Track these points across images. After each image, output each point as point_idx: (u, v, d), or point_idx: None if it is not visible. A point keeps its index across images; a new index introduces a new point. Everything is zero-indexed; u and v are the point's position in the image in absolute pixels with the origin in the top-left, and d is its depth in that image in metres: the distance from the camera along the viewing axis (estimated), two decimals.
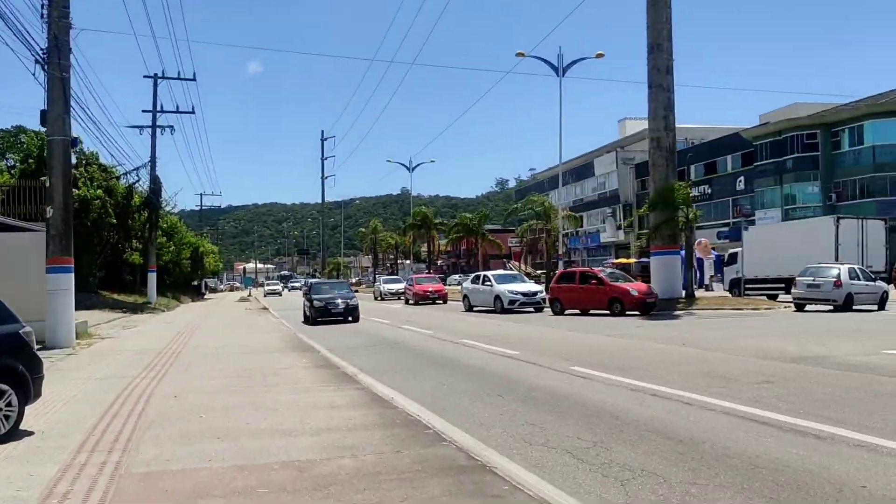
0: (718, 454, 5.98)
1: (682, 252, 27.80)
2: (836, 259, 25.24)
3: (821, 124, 45.89)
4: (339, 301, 24.39)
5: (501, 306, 26.76)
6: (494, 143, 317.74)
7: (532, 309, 26.65)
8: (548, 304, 26.80)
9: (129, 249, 37.98)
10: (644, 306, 22.99)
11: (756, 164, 50.49)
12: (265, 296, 64.00)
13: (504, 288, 27.21)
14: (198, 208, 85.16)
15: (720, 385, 9.47)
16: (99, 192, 33.57)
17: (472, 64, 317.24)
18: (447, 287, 42.03)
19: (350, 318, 24.23)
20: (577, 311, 24.59)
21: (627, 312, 22.81)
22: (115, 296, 36.78)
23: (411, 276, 40.46)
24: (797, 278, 23.17)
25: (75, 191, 32.67)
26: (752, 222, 44.69)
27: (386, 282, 48.19)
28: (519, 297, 26.52)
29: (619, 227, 72.38)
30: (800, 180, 47.06)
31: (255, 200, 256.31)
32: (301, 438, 6.86)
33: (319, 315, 24.07)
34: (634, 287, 23.99)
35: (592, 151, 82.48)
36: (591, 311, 24.11)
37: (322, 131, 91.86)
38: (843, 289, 21.79)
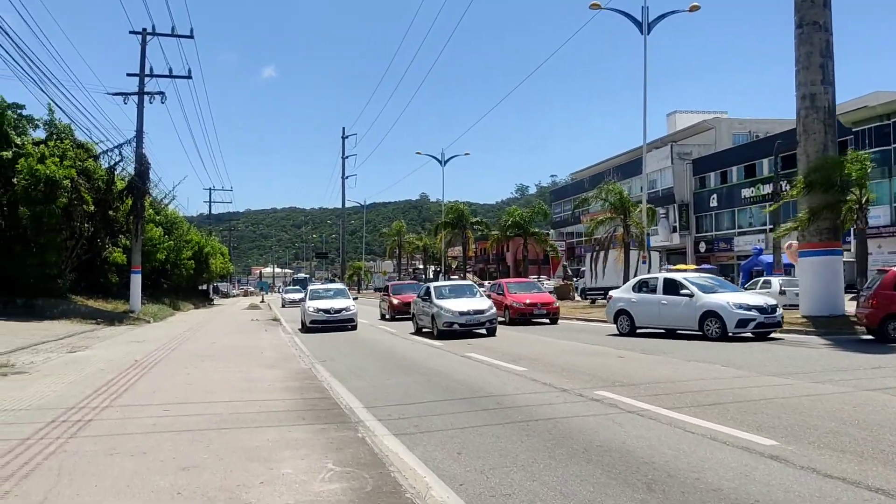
0: None
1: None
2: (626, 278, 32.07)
3: None
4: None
5: (723, 331, 16.45)
6: (513, 149, 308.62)
7: (751, 334, 16.89)
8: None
9: (109, 245, 30.95)
10: None
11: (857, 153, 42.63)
12: (284, 306, 48.61)
13: (723, 300, 16.86)
14: (211, 213, 78.56)
15: None
16: (71, 171, 26.64)
17: (496, 62, 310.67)
18: None
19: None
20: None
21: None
22: (92, 302, 29.80)
23: (499, 281, 28.93)
24: None
25: (40, 167, 25.87)
26: None
27: None
28: (754, 315, 16.53)
29: (674, 230, 64.54)
30: None
31: (274, 205, 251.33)
32: None
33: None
34: None
35: (641, 146, 74.69)
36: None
37: (343, 128, 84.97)
38: None
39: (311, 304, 25.05)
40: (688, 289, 17.55)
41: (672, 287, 18.18)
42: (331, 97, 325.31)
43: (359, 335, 22.69)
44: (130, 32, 29.81)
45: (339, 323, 24.42)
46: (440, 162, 60.81)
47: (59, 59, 72.55)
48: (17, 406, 8.89)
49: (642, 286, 19.38)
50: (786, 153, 44.92)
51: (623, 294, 19.96)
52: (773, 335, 17.11)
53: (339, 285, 32.06)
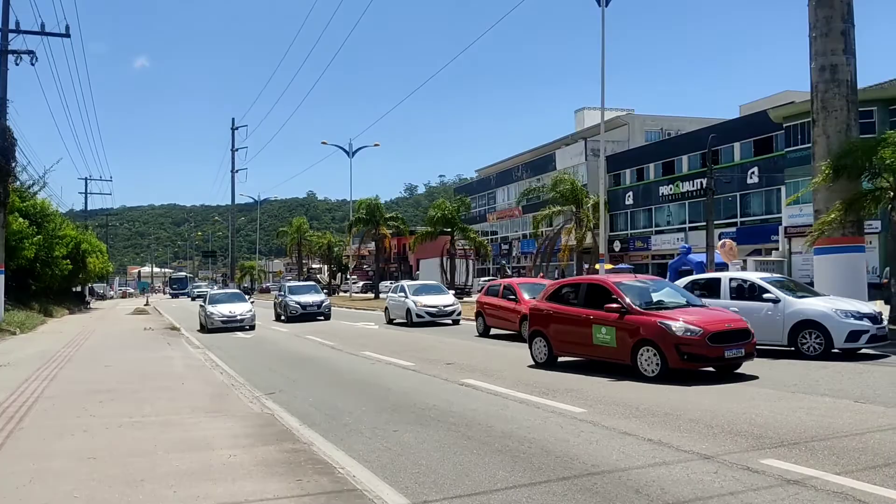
0: None
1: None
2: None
3: (879, 100, 37.13)
4: None
5: (825, 346, 12.80)
6: (402, 148, 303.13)
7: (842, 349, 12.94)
8: None
9: None
10: None
11: (786, 149, 41.59)
12: (207, 328, 25.62)
13: (825, 307, 13.06)
14: (87, 206, 70.43)
15: None
16: None
17: (386, 60, 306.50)
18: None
19: None
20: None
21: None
22: None
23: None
24: None
25: None
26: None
27: None
28: (867, 325, 12.78)
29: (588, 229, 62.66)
30: None
31: (152, 202, 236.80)
32: None
33: None
34: None
35: (550, 143, 73.13)
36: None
37: (233, 119, 79.44)
38: None
39: None
40: (770, 292, 13.43)
41: (744, 290, 14.07)
42: (213, 91, 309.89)
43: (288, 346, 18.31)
44: None
45: None
46: (348, 153, 56.53)
47: None
48: None
49: (696, 288, 14.57)
50: (712, 148, 43.60)
51: None
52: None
53: None
